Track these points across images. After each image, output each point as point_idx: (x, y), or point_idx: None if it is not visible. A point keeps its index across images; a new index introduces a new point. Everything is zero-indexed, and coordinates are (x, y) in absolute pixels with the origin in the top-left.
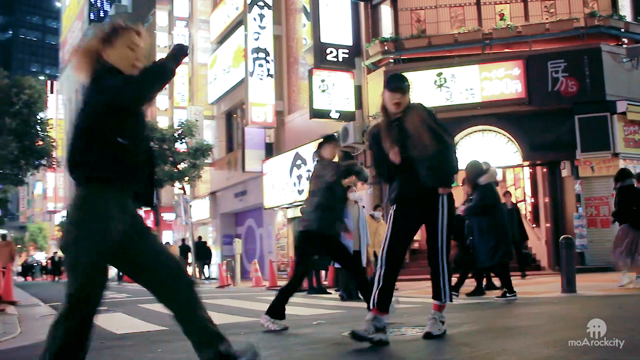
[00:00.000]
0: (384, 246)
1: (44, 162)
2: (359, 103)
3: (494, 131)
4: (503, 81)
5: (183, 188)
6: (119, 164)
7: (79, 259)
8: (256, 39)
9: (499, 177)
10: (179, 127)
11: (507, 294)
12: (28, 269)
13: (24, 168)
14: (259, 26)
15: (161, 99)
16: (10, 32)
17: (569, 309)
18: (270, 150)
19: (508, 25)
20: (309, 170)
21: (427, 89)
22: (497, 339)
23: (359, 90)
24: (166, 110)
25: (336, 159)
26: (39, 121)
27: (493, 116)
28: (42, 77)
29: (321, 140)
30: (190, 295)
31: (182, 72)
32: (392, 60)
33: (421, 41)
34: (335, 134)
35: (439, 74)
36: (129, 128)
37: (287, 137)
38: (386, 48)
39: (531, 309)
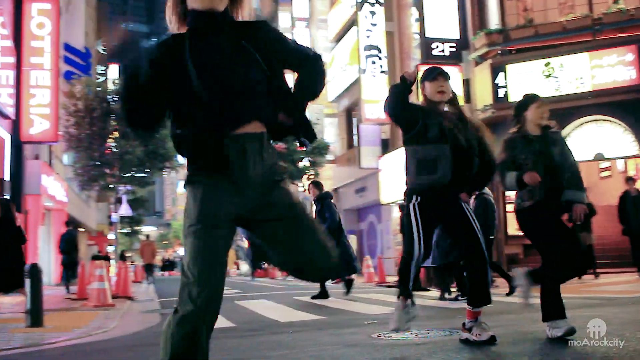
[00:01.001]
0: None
1: (168, 164)
2: (468, 97)
3: (608, 121)
4: (615, 68)
5: (305, 188)
6: None
7: None
8: (368, 37)
9: (620, 168)
10: None
11: (459, 297)
12: (171, 264)
13: (150, 171)
14: (371, 23)
15: None
16: (154, 40)
17: None
18: (387, 146)
19: (620, 8)
20: None
21: (535, 79)
22: None
23: (467, 84)
24: None
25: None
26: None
27: (605, 105)
28: None
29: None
30: None
31: None
32: (499, 52)
33: (528, 31)
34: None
35: (547, 64)
36: None
37: (401, 132)
38: (492, 40)
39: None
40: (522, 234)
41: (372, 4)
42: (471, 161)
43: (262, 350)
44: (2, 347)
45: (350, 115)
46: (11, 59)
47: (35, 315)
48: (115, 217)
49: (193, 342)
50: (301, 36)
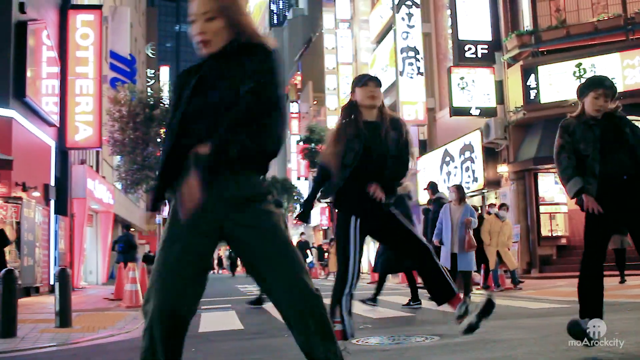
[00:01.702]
0: None
1: None
2: (500, 98)
3: None
4: None
5: None
6: None
7: None
8: (405, 39)
9: None
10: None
11: (411, 303)
12: (220, 262)
13: None
14: (408, 25)
15: (330, 99)
16: None
17: None
18: (425, 147)
19: None
20: (456, 167)
21: (566, 80)
22: None
23: (500, 86)
24: (335, 110)
25: None
26: None
27: (637, 106)
28: None
29: None
30: None
31: (346, 72)
32: (530, 54)
33: (559, 32)
34: None
35: (578, 65)
36: None
37: (439, 133)
38: (524, 41)
39: None
40: (555, 235)
41: (409, 6)
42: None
43: (236, 355)
44: (26, 347)
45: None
46: (56, 69)
47: (63, 316)
48: (159, 218)
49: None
50: (344, 37)
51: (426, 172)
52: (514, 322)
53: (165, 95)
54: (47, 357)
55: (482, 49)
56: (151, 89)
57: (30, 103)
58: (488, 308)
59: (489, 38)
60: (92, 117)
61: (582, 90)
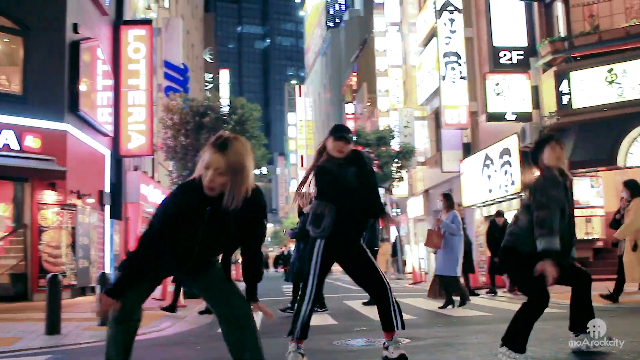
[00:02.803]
0: None
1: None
2: (536, 103)
3: None
4: None
5: (388, 189)
6: None
7: None
8: (447, 44)
9: None
10: (380, 132)
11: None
12: (285, 260)
13: None
14: (450, 30)
15: (382, 101)
16: (268, 40)
17: None
18: (468, 150)
19: None
20: (496, 171)
21: (598, 86)
22: None
23: (535, 91)
24: (387, 111)
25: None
26: (253, 136)
27: None
28: (293, 82)
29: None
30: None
31: (396, 75)
32: (564, 60)
33: (591, 37)
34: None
35: (610, 70)
36: None
37: (481, 136)
38: (556, 47)
39: None
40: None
41: (451, 11)
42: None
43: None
44: (66, 343)
45: (438, 118)
46: (109, 82)
47: (104, 316)
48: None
49: None
50: (393, 40)
51: (468, 175)
52: (492, 327)
53: (225, 101)
54: (80, 351)
55: (517, 54)
56: (209, 93)
57: (84, 116)
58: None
59: (524, 44)
60: (144, 126)
61: (537, 149)
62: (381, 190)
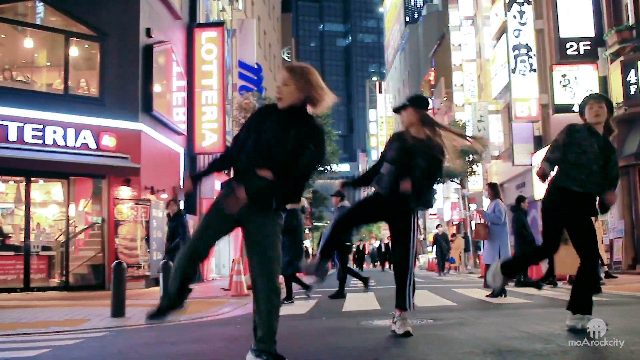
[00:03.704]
0: None
1: (326, 168)
2: (604, 94)
3: None
4: None
5: (461, 183)
6: None
7: None
8: (517, 36)
9: None
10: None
11: (285, 301)
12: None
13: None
14: (519, 23)
15: (457, 96)
16: (350, 37)
17: None
18: (540, 143)
19: None
20: None
21: None
22: None
23: (604, 81)
24: (462, 105)
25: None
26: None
27: None
28: (374, 78)
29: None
30: None
31: (470, 69)
32: (632, 49)
33: None
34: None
35: None
36: None
37: (553, 129)
38: (623, 37)
39: None
40: None
41: (521, 4)
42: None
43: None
44: (128, 324)
45: (510, 111)
46: (183, 83)
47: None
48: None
49: None
50: (467, 34)
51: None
52: (520, 311)
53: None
54: (138, 330)
55: (584, 45)
56: None
57: (158, 116)
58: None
59: (592, 34)
60: (216, 125)
61: (581, 108)
62: (454, 185)
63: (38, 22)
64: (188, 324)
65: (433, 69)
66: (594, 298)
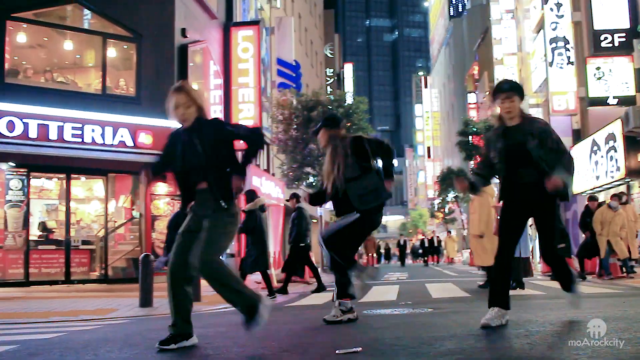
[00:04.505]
0: None
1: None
2: None
3: None
4: None
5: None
6: None
7: None
8: (554, 29)
9: None
10: (489, 121)
11: (269, 295)
12: (387, 254)
13: None
14: (556, 15)
15: None
16: (396, 32)
17: None
18: (578, 136)
19: None
20: (602, 157)
21: None
22: None
23: (639, 73)
24: None
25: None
26: (361, 128)
27: None
28: (420, 73)
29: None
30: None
31: (511, 62)
32: None
33: None
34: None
35: None
36: None
37: (591, 122)
38: None
39: None
40: None
41: None
42: None
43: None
44: (156, 313)
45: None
46: (220, 81)
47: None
48: (320, 210)
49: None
50: (508, 28)
51: (577, 162)
52: (525, 302)
53: (349, 99)
54: (161, 318)
55: (619, 37)
56: (333, 96)
57: None
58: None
59: (627, 26)
60: (253, 122)
61: (493, 97)
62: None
63: (77, 25)
64: (211, 313)
65: (477, 63)
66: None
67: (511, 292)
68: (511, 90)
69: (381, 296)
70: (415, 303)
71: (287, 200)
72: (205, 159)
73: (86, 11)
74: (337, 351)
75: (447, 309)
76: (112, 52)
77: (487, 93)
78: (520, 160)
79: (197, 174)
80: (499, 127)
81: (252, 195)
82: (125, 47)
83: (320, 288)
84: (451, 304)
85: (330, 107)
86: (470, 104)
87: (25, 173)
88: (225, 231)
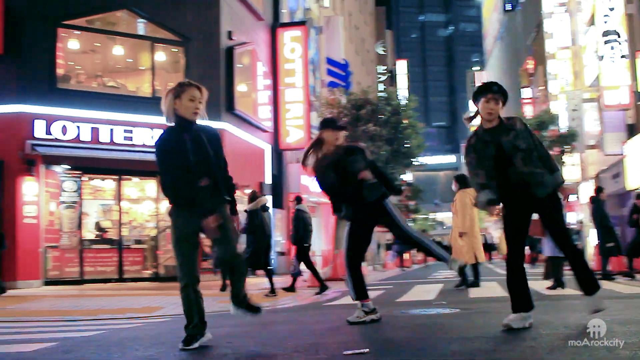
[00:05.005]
0: None
1: (414, 161)
2: None
3: None
4: None
5: None
6: None
7: None
8: (605, 22)
9: None
10: (540, 116)
11: (271, 294)
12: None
13: (395, 168)
14: (609, 8)
15: (552, 84)
16: (451, 27)
17: None
18: (632, 131)
19: None
20: None
21: None
22: None
23: None
24: (556, 96)
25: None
26: (410, 125)
27: None
28: (475, 68)
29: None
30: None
31: (564, 56)
32: None
33: None
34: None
35: None
36: None
37: None
38: None
39: None
40: None
41: None
42: None
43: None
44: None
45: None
46: (268, 81)
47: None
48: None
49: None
50: (561, 21)
51: (633, 157)
52: (559, 303)
53: (404, 92)
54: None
55: None
56: (383, 85)
57: (241, 115)
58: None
59: None
60: (301, 121)
61: (474, 99)
62: None
63: (126, 31)
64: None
65: (531, 57)
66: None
67: (551, 292)
68: (499, 92)
69: (420, 295)
70: (449, 303)
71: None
72: (210, 156)
73: (135, 17)
74: (344, 352)
75: (476, 310)
76: (160, 56)
77: (542, 88)
78: (506, 160)
79: (201, 170)
80: (477, 130)
81: (254, 195)
82: (175, 50)
83: (323, 288)
84: (484, 304)
85: (378, 106)
86: (524, 99)
87: (78, 175)
88: (233, 224)
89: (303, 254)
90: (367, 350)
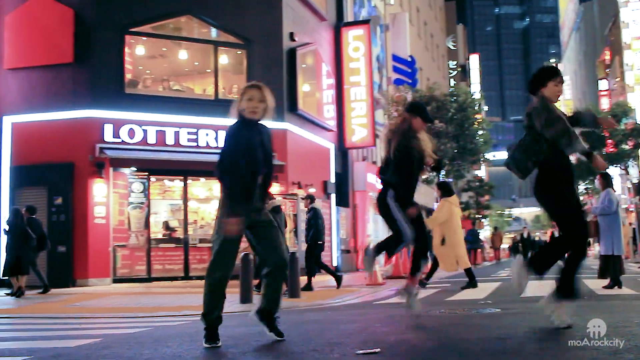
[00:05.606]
0: None
1: (478, 158)
2: None
3: None
4: None
5: (624, 169)
6: None
7: None
8: None
9: None
10: (613, 109)
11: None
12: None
13: (462, 165)
14: None
15: (628, 75)
16: (527, 19)
17: None
18: None
19: None
20: None
21: None
22: None
23: None
24: (631, 87)
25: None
26: (473, 124)
27: None
28: (553, 60)
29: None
30: None
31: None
32: None
33: None
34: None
35: None
36: None
37: None
38: None
39: None
40: None
41: None
42: None
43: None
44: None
45: None
46: (332, 81)
47: (292, 290)
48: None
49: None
50: (636, 10)
51: None
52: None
53: (476, 86)
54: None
55: None
56: (453, 80)
57: (304, 115)
58: None
59: None
60: (365, 120)
61: (537, 81)
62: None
63: (190, 35)
64: (302, 310)
65: (608, 48)
66: None
67: (608, 292)
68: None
69: (472, 294)
70: (495, 302)
71: (302, 199)
72: (266, 155)
73: (198, 22)
74: (356, 352)
75: (516, 310)
76: (224, 59)
77: (618, 79)
78: None
79: (259, 167)
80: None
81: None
82: (239, 52)
83: (339, 281)
84: (530, 305)
85: (444, 102)
86: (601, 91)
87: (145, 177)
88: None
89: (317, 251)
90: (379, 350)
